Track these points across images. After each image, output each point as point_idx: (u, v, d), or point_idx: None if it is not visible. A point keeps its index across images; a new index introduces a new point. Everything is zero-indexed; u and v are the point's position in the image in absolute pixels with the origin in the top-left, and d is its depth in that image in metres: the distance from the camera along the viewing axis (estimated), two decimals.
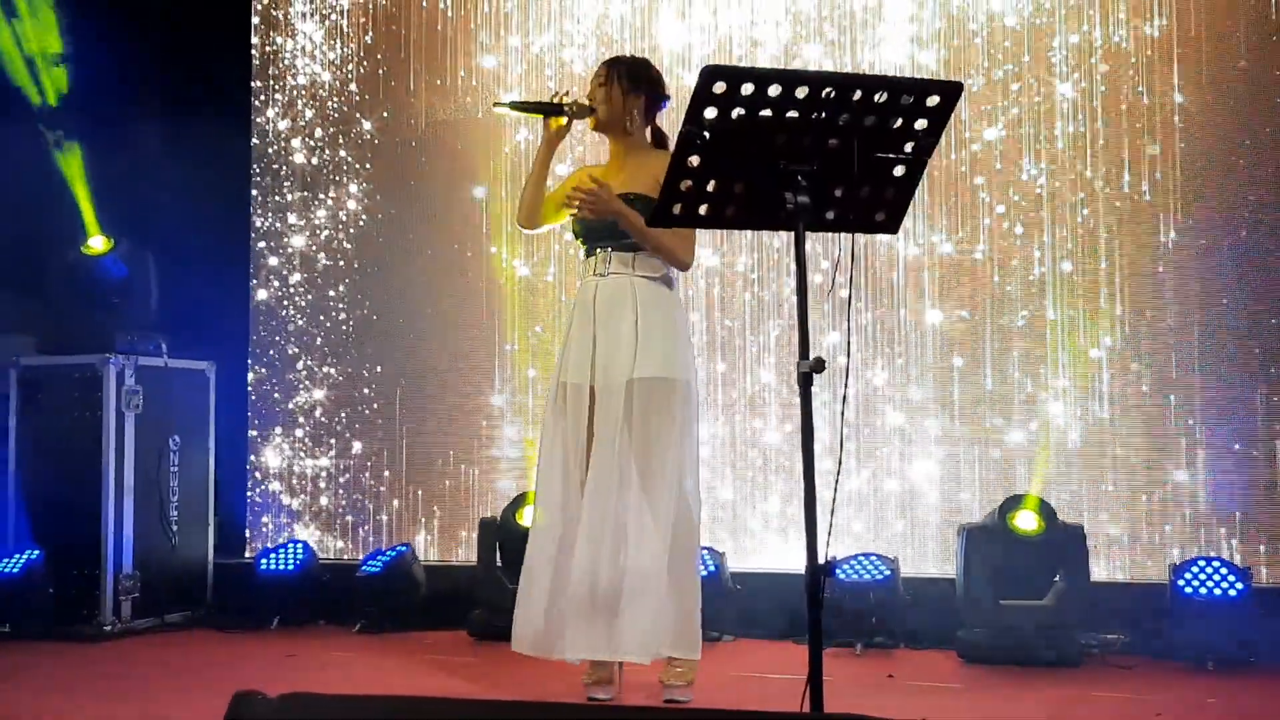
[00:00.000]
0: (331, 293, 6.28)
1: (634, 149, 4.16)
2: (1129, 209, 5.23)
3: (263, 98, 6.42)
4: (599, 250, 4.08)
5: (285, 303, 6.34)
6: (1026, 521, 4.83)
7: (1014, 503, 4.89)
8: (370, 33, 6.30)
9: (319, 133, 6.34)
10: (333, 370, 6.27)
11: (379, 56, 6.28)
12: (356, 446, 6.21)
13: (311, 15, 6.38)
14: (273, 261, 6.36)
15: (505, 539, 5.33)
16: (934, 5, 5.52)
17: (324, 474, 6.24)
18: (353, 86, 6.30)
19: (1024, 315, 5.35)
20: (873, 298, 5.53)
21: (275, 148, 6.39)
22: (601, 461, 3.94)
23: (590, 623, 3.87)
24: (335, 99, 6.32)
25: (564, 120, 4.11)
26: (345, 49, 6.33)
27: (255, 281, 6.37)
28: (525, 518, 5.35)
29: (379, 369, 6.21)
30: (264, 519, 6.29)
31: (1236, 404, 5.05)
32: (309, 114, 6.35)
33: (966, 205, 5.44)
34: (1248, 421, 5.04)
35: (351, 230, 6.28)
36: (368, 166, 6.27)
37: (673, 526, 3.92)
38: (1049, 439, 5.27)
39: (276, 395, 6.32)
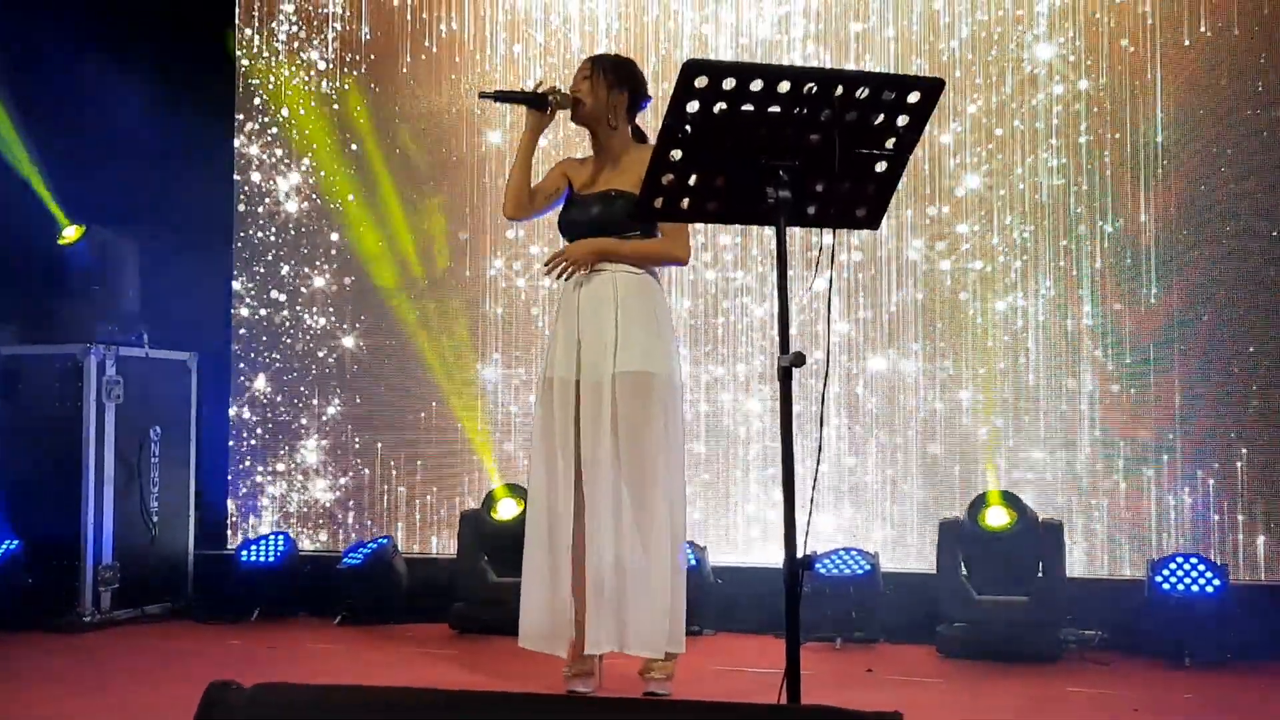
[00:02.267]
0: (314, 294, 6.26)
1: (616, 145, 4.16)
2: (1112, 250, 5.25)
3: (247, 93, 6.40)
4: None
5: (269, 298, 6.32)
6: (996, 517, 4.86)
7: (980, 501, 4.91)
8: (357, 55, 6.28)
9: (305, 130, 6.32)
10: (315, 363, 6.25)
11: (368, 80, 6.27)
12: (339, 436, 6.20)
13: (299, 27, 6.37)
14: (257, 256, 6.34)
15: (485, 532, 5.33)
16: (915, 38, 5.53)
17: (307, 464, 6.23)
18: (338, 98, 6.29)
19: (1007, 307, 5.37)
20: (858, 288, 5.54)
21: (261, 144, 6.37)
22: (590, 458, 3.97)
23: (598, 617, 3.92)
24: (319, 111, 6.30)
25: (547, 111, 4.11)
26: (332, 67, 6.31)
27: (237, 274, 6.35)
28: (501, 511, 5.36)
29: (361, 362, 6.20)
30: (245, 510, 6.27)
31: (1215, 404, 5.08)
32: (295, 110, 6.33)
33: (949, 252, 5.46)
34: (1225, 421, 5.06)
35: (335, 238, 6.25)
36: (350, 183, 6.25)
37: (659, 520, 3.94)
38: (1009, 433, 5.30)
39: (259, 387, 6.30)
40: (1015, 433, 5.32)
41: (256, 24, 6.41)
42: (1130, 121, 5.24)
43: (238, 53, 6.40)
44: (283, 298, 6.30)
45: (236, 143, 6.39)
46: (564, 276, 4.07)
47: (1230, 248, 5.11)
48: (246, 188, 6.37)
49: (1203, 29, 5.17)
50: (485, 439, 5.92)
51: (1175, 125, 5.19)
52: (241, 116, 6.39)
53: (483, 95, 4.19)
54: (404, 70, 6.22)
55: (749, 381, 5.65)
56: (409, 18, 6.21)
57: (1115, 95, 5.27)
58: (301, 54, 6.34)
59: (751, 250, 5.67)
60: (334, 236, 6.25)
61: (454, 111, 6.14)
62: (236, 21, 6.42)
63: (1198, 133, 5.17)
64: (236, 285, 6.33)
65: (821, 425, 3.18)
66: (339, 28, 6.31)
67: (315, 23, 6.33)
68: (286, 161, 6.34)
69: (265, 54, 6.38)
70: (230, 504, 6.28)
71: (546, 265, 4.10)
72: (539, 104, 4.09)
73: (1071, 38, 5.33)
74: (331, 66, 6.31)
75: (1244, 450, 5.04)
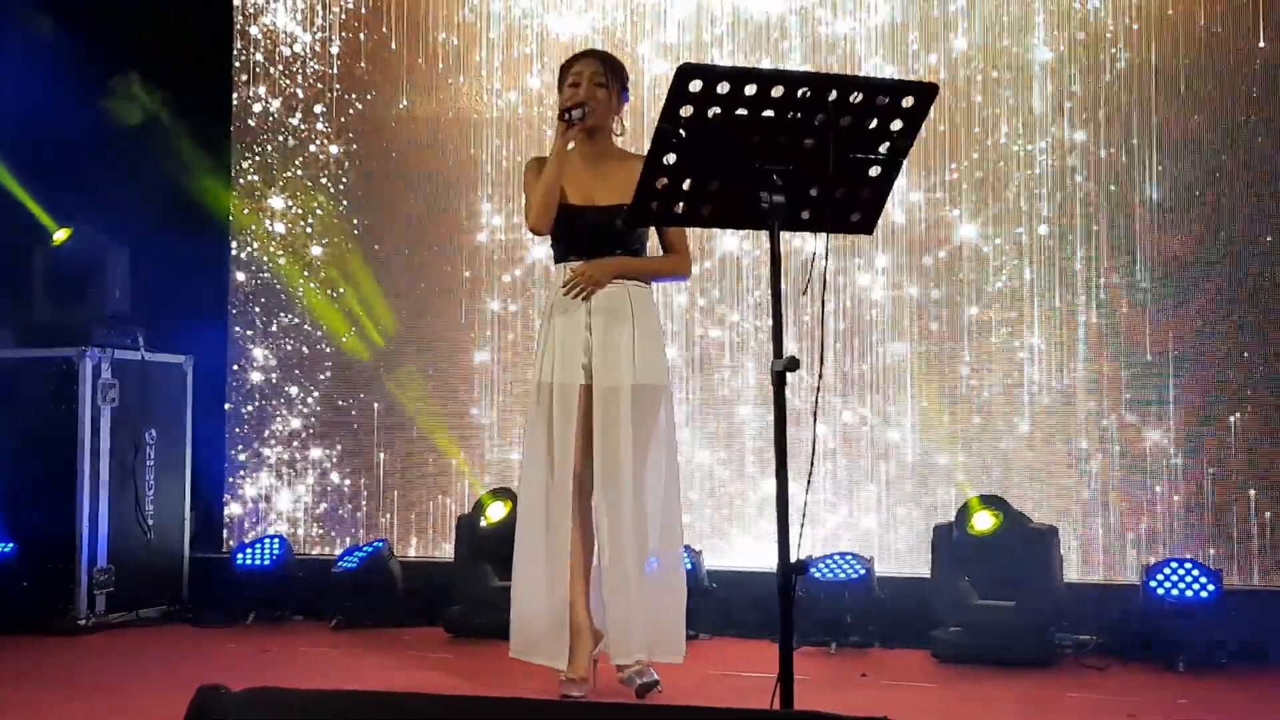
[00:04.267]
0: (311, 293, 6.26)
1: (612, 153, 4.16)
2: (1107, 218, 5.26)
3: (244, 87, 6.39)
4: (587, 258, 4.06)
5: (265, 296, 6.32)
6: (982, 522, 4.84)
7: (965, 509, 4.90)
8: (349, 17, 6.29)
9: (300, 123, 6.32)
10: (312, 363, 6.25)
11: (359, 52, 6.27)
12: (334, 440, 6.19)
13: (292, 9, 6.37)
14: (252, 254, 6.34)
15: (479, 536, 5.32)
16: (917, 29, 5.54)
17: (301, 468, 6.23)
18: (335, 70, 6.29)
19: (1002, 316, 5.37)
20: (847, 295, 5.55)
21: (255, 137, 6.37)
22: (607, 465, 3.97)
23: (626, 626, 3.96)
24: (316, 84, 6.30)
25: (582, 122, 4.04)
26: (327, 46, 6.31)
27: (234, 275, 6.35)
28: (491, 515, 5.33)
29: (359, 366, 6.19)
30: (240, 513, 6.27)
31: (1210, 407, 5.08)
32: (288, 99, 6.33)
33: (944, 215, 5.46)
34: (1221, 424, 5.06)
35: (332, 223, 6.26)
36: (347, 162, 6.26)
37: (671, 527, 4.04)
38: (1005, 439, 5.30)
39: (254, 388, 6.30)
40: (1011, 439, 5.32)
41: (252, 67, 6.40)
42: (1126, 90, 5.22)
43: (234, 96, 6.41)
44: (279, 304, 6.30)
45: (232, 102, 6.40)
46: (584, 297, 4.01)
47: (1225, 279, 5.10)
48: (240, 156, 6.37)
49: (1205, 82, 5.14)
50: (474, 474, 5.94)
51: (1174, 97, 5.17)
52: (239, 73, 6.40)
53: (561, 116, 4.03)
54: (400, 107, 6.22)
55: (744, 384, 5.65)
56: (404, 62, 6.20)
57: (1111, 63, 5.25)
58: (295, 17, 6.34)
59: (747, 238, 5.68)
60: (331, 200, 6.25)
61: (445, 72, 6.13)
62: (235, 50, 6.44)
63: (1194, 106, 5.15)
64: (234, 303, 6.35)
65: (815, 426, 3.17)
66: (334, 71, 6.30)
67: (310, 60, 6.33)
68: (281, 116, 6.34)
69: (262, 94, 6.39)
70: (225, 507, 6.28)
71: (565, 287, 4.03)
72: (580, 116, 4.05)
73: (1068, 86, 5.32)
74: (327, 109, 6.30)
75: (1239, 458, 5.03)
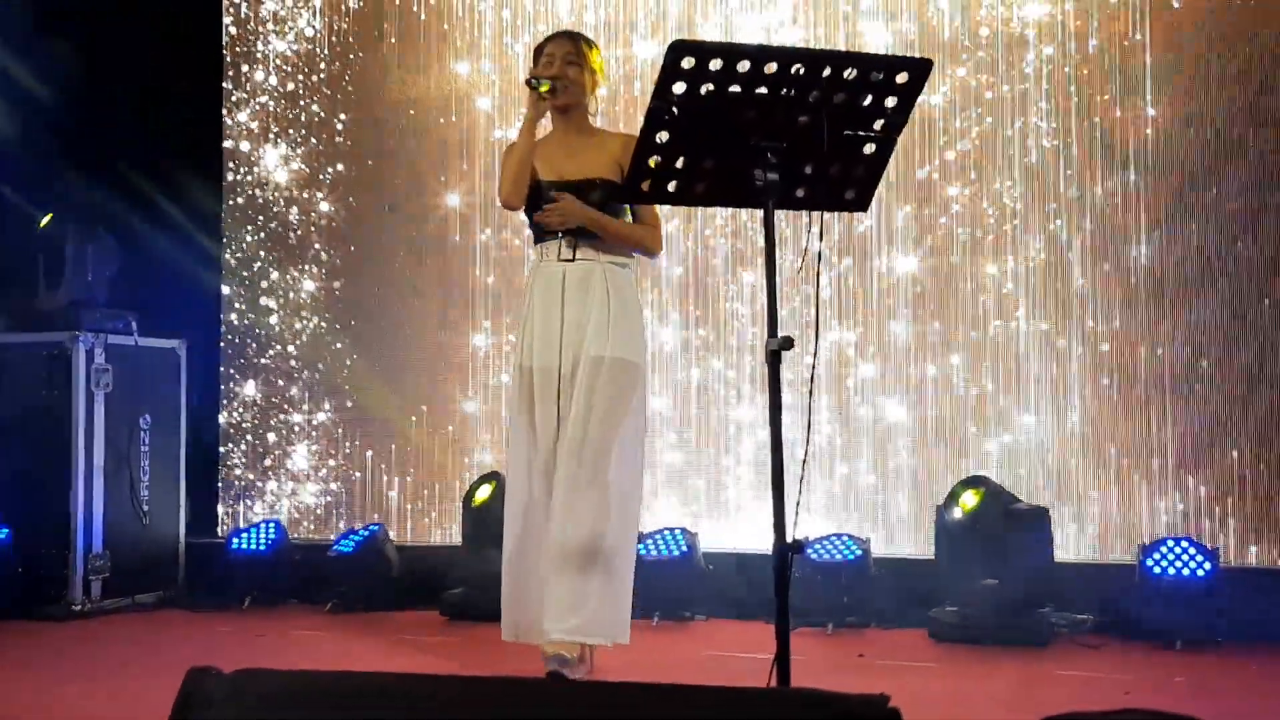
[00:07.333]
0: (303, 277, 6.25)
1: (585, 131, 4.14)
2: (1101, 219, 5.24)
3: (234, 85, 6.37)
4: (563, 236, 4.03)
5: (258, 284, 6.30)
6: (968, 501, 4.84)
7: (953, 493, 4.91)
8: (344, 25, 6.25)
9: (291, 120, 6.30)
10: (307, 352, 6.24)
11: (353, 51, 6.24)
12: (330, 425, 6.19)
13: (283, 7, 6.34)
14: (245, 243, 6.32)
15: (483, 519, 5.31)
16: (910, 15, 5.50)
17: (297, 452, 6.22)
18: (325, 77, 6.26)
19: (997, 313, 5.36)
20: (845, 264, 5.54)
21: (247, 133, 6.35)
22: (570, 436, 3.94)
23: (564, 603, 3.88)
24: (307, 88, 6.27)
25: (553, 96, 4.03)
26: (318, 43, 6.28)
27: (227, 261, 6.33)
28: (479, 496, 5.33)
29: (352, 350, 6.18)
30: (236, 498, 6.26)
31: (1206, 385, 5.07)
32: (281, 102, 6.31)
33: (939, 214, 5.44)
34: (1217, 402, 5.06)
35: (324, 219, 6.25)
36: (339, 163, 6.23)
37: (628, 505, 3.97)
38: (1001, 422, 5.29)
39: (249, 375, 6.28)
40: (1007, 420, 5.32)
41: (242, 81, 6.39)
42: (1120, 86, 5.21)
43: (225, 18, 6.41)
44: (272, 289, 6.28)
45: (225, 121, 6.38)
46: (550, 228, 4.00)
47: (1223, 207, 5.08)
48: (233, 150, 6.36)
49: (1204, 127, 5.12)
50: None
51: (1165, 90, 5.15)
52: (229, 71, 6.38)
53: (527, 82, 4.04)
54: (393, 36, 6.17)
55: (739, 360, 5.64)
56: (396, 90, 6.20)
57: (1107, 58, 5.23)
58: (286, 14, 6.32)
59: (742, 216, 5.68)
60: (323, 199, 6.24)
61: (441, 74, 6.10)
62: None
63: (1189, 98, 5.13)
64: (226, 287, 6.33)
65: (810, 406, 3.16)
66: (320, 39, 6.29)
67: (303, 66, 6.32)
68: (274, 115, 6.33)
69: (251, 13, 6.36)
70: (220, 492, 6.27)
71: (539, 216, 4.01)
72: (552, 90, 4.03)
73: (1062, 137, 5.30)
74: (318, 27, 6.27)
75: (1235, 434, 5.03)
